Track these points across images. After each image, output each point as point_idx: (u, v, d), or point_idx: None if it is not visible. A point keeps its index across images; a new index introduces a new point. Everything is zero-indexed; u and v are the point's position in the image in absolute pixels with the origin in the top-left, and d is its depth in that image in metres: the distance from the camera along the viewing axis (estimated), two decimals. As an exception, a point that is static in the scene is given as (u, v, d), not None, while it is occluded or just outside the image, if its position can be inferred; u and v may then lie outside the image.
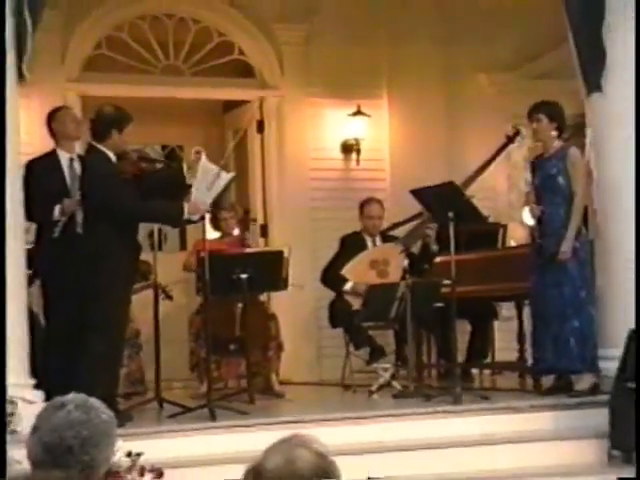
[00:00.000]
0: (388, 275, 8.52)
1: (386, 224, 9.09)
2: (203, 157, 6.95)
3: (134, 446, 5.23)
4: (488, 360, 9.12)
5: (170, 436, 6.30)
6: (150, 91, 9.62)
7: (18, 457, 4.51)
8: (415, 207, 8.25)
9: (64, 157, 7.11)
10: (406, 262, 8.45)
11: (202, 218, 7.01)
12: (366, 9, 9.77)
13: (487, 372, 9.22)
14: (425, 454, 6.31)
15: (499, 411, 6.88)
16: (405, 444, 6.39)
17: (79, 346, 6.62)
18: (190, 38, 9.74)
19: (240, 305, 7.99)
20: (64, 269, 6.77)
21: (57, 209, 6.88)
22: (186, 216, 6.83)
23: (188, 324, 8.54)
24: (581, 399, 6.97)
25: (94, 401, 2.96)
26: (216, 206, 7.70)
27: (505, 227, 9.26)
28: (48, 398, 5.15)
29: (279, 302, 9.01)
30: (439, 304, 7.85)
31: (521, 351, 8.69)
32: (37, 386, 6.21)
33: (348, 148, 10.04)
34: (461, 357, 8.52)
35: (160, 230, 7.89)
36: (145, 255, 7.55)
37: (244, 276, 7.40)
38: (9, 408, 5.48)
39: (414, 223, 8.84)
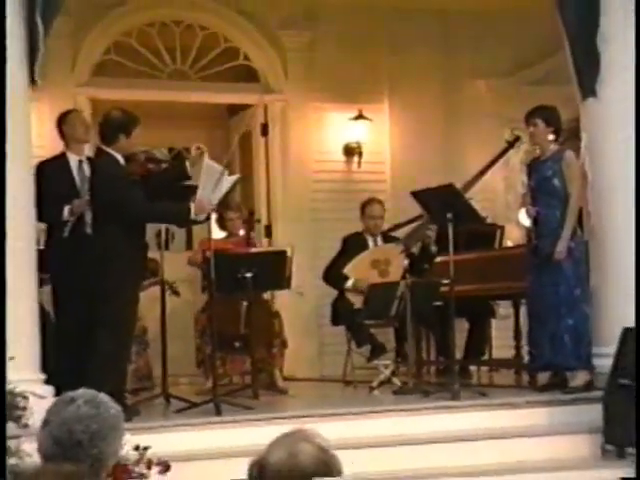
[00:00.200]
0: (389, 274, 8.51)
1: (386, 225, 9.09)
2: (206, 157, 6.96)
3: (141, 440, 5.22)
4: (485, 357, 9.12)
5: (176, 430, 6.29)
6: (158, 95, 9.64)
7: (29, 450, 4.51)
8: (415, 208, 8.24)
9: (73, 159, 7.12)
10: (406, 262, 8.45)
11: (208, 218, 7.01)
12: (368, 18, 9.78)
13: (484, 369, 9.20)
14: (424, 448, 6.31)
15: (496, 407, 6.88)
16: (405, 439, 6.39)
17: (89, 345, 6.61)
18: (197, 44, 9.76)
19: (245, 303, 7.99)
20: (73, 270, 6.77)
21: (66, 209, 6.88)
22: (193, 216, 6.83)
23: (194, 322, 8.54)
24: (576, 395, 6.96)
25: (103, 396, 2.97)
26: (223, 206, 7.70)
27: (502, 228, 9.25)
28: (58, 393, 5.15)
29: (283, 300, 9.01)
30: (438, 303, 7.85)
31: (517, 348, 8.68)
32: (48, 381, 6.22)
33: (350, 151, 10.05)
34: (459, 354, 8.52)
35: (167, 230, 7.88)
36: (152, 254, 7.54)
37: (249, 275, 7.39)
38: (21, 402, 5.48)
39: (415, 224, 8.85)
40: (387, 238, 9.01)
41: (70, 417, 2.87)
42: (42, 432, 2.91)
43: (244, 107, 10.20)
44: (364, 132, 10.02)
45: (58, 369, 6.46)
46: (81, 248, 6.81)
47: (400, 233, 8.99)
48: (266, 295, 8.77)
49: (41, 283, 6.77)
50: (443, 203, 7.50)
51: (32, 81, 6.30)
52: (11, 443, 5.26)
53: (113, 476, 4.66)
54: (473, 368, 9.02)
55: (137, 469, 5.20)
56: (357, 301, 8.32)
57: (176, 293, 8.22)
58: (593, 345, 7.13)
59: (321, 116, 10.02)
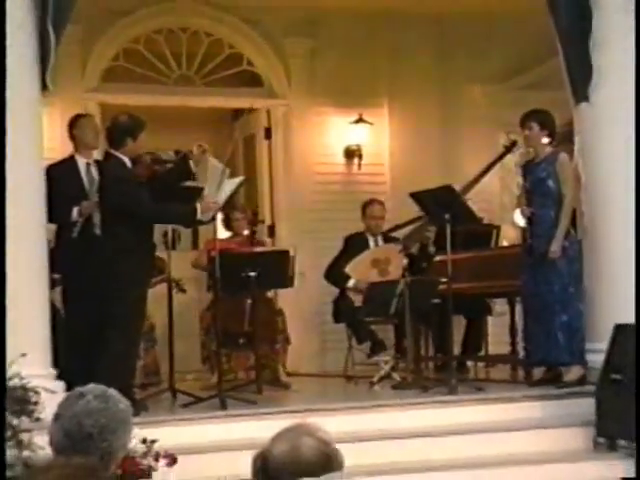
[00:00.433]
0: (389, 273, 8.51)
1: (387, 225, 9.10)
2: (209, 155, 6.97)
3: (149, 433, 5.22)
4: (482, 353, 9.11)
5: (183, 424, 6.29)
6: (164, 100, 9.65)
7: (41, 443, 4.51)
8: (413, 209, 8.25)
9: (82, 162, 7.12)
10: (406, 261, 8.45)
11: (213, 219, 7.02)
12: (368, 25, 9.79)
13: (481, 364, 9.20)
14: (422, 441, 6.31)
15: (492, 401, 6.88)
16: (404, 432, 6.38)
17: (99, 346, 6.59)
18: (202, 50, 9.76)
19: (249, 301, 7.99)
20: (83, 271, 6.76)
21: (75, 211, 6.89)
22: (199, 216, 6.83)
23: (199, 319, 8.54)
24: (569, 389, 6.97)
25: (112, 391, 2.97)
26: (229, 207, 7.71)
27: (498, 228, 9.25)
28: (69, 388, 5.16)
29: (285, 298, 9.01)
30: (436, 300, 7.86)
31: (513, 344, 8.69)
32: (59, 377, 6.22)
33: (350, 153, 10.05)
34: (457, 350, 8.52)
35: (174, 230, 7.88)
36: (159, 254, 7.54)
37: (253, 274, 7.39)
38: (33, 397, 5.48)
39: (415, 225, 8.85)
40: (387, 238, 9.01)
41: (80, 411, 2.88)
42: (53, 426, 2.92)
43: (248, 111, 10.20)
44: (364, 135, 10.03)
45: (68, 365, 6.46)
46: (90, 249, 6.80)
47: (400, 233, 9.00)
48: (269, 293, 8.78)
49: (53, 284, 6.78)
50: (441, 204, 7.50)
51: (44, 87, 6.31)
52: (24, 436, 5.28)
53: (122, 468, 4.69)
54: (470, 364, 9.02)
55: (145, 461, 5.20)
56: (358, 299, 8.32)
57: (182, 290, 8.22)
58: (586, 341, 7.13)
59: (322, 120, 10.03)
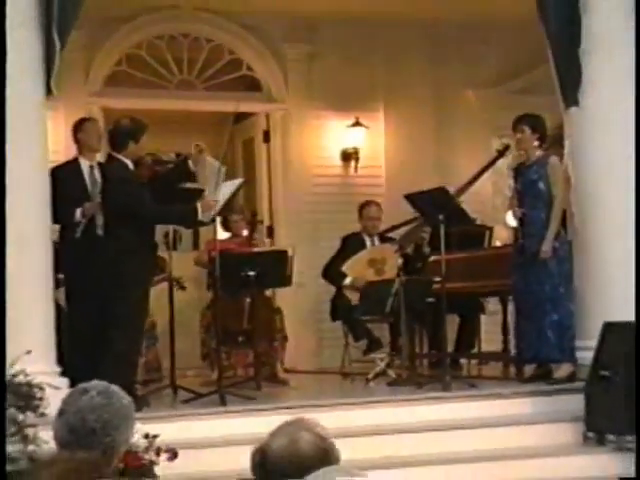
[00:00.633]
0: (384, 273, 8.50)
1: (383, 226, 9.10)
2: (206, 154, 6.98)
3: (151, 429, 5.23)
4: (475, 351, 9.12)
5: (184, 419, 6.30)
6: (166, 104, 9.66)
7: (46, 438, 4.52)
8: (408, 210, 8.26)
9: (85, 165, 7.12)
10: (401, 261, 8.45)
11: (213, 220, 7.02)
12: (364, 31, 9.79)
13: (474, 362, 9.20)
14: (417, 437, 6.32)
15: (485, 397, 6.89)
16: (399, 427, 6.39)
17: (102, 345, 6.59)
18: (203, 56, 9.76)
19: (248, 300, 8.00)
20: (86, 271, 6.75)
21: (78, 211, 6.89)
22: (200, 216, 6.83)
23: (200, 318, 8.55)
24: (559, 386, 6.97)
25: (115, 387, 2.97)
26: (227, 209, 7.70)
27: (491, 229, 9.25)
28: (73, 385, 5.16)
29: (284, 297, 9.00)
30: (431, 299, 7.86)
31: (505, 342, 8.69)
32: (63, 373, 6.22)
33: (347, 156, 10.05)
34: (450, 348, 8.52)
35: (175, 231, 7.88)
36: (161, 254, 7.54)
37: (252, 273, 7.39)
38: (38, 393, 5.49)
39: (410, 226, 8.85)
40: (384, 238, 9.01)
41: (84, 407, 2.88)
42: (58, 421, 2.92)
43: (247, 115, 10.19)
44: (361, 138, 10.03)
45: (72, 362, 6.46)
46: (93, 249, 6.80)
47: (396, 234, 9.00)
48: (268, 292, 8.78)
49: (57, 284, 6.78)
50: (435, 205, 7.51)
51: (48, 91, 6.32)
52: (29, 431, 5.29)
53: (124, 462, 4.68)
54: (463, 361, 9.03)
55: (147, 456, 5.21)
56: (355, 298, 8.33)
57: (182, 287, 8.22)
58: (576, 339, 7.14)
59: (320, 123, 10.03)
